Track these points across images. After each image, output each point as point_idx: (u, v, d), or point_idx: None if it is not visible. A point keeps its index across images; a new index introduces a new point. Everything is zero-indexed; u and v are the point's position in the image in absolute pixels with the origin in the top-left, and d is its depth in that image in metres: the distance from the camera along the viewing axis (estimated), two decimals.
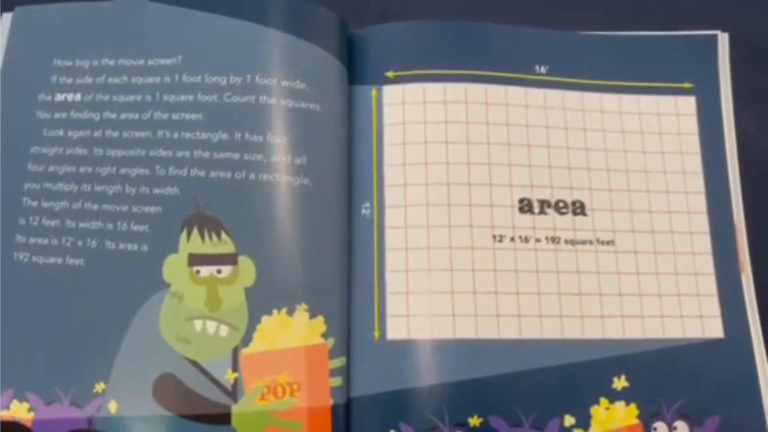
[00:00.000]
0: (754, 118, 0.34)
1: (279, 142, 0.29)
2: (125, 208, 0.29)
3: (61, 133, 0.30)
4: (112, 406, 0.27)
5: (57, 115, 0.30)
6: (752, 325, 0.30)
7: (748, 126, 0.33)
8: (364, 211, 0.30)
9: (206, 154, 0.29)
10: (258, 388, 0.27)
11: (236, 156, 0.29)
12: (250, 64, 0.30)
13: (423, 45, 0.32)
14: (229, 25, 0.30)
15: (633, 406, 0.29)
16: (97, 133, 0.30)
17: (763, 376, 0.29)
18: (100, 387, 0.27)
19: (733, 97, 0.32)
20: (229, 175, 0.28)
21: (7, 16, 0.32)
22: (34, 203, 0.29)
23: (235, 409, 0.27)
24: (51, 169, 0.29)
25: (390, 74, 0.31)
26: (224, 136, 0.29)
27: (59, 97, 0.30)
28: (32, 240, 0.29)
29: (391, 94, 0.31)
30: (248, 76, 0.29)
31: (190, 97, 0.29)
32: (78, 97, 0.30)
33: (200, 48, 0.30)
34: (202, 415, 0.27)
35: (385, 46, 0.32)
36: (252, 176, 0.28)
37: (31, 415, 0.27)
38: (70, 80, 0.31)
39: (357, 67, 0.32)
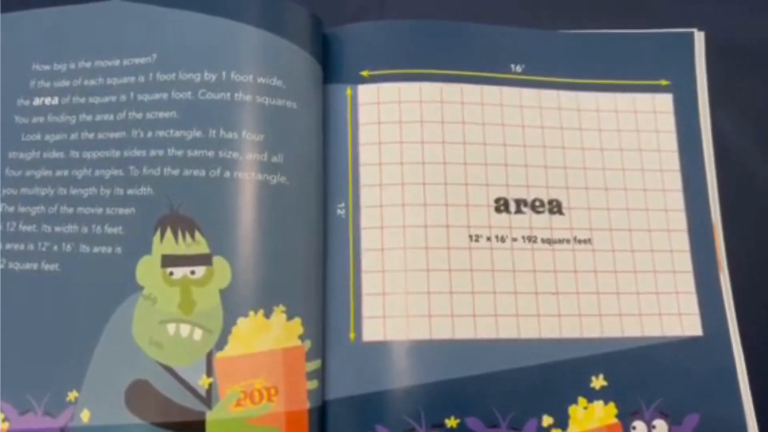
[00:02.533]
0: (729, 117, 0.32)
1: (255, 140, 0.27)
2: (99, 210, 0.27)
3: (38, 137, 0.28)
4: (85, 415, 0.25)
5: (35, 120, 0.29)
6: (730, 323, 0.29)
7: (724, 124, 0.31)
8: (339, 211, 0.28)
9: (180, 153, 0.27)
10: (234, 394, 0.25)
11: (210, 154, 0.27)
12: (225, 60, 0.28)
13: (398, 44, 0.30)
14: (203, 22, 0.28)
15: (611, 405, 0.27)
16: (74, 136, 0.28)
17: (742, 374, 0.28)
18: (72, 395, 0.25)
19: (709, 96, 0.31)
20: (203, 173, 0.26)
21: None
22: (11, 209, 0.27)
23: (210, 416, 0.25)
24: (28, 173, 0.28)
25: (365, 73, 0.30)
26: (198, 133, 0.27)
27: (37, 102, 0.29)
28: (8, 246, 0.27)
29: (366, 93, 0.29)
30: (223, 73, 0.27)
31: (164, 96, 0.28)
32: (55, 100, 0.29)
33: (174, 46, 0.28)
34: (176, 423, 0.25)
35: (360, 45, 0.30)
36: (227, 174, 0.26)
37: (6, 425, 0.25)
38: (48, 84, 0.29)
39: (332, 66, 0.30)
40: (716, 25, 0.31)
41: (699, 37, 0.31)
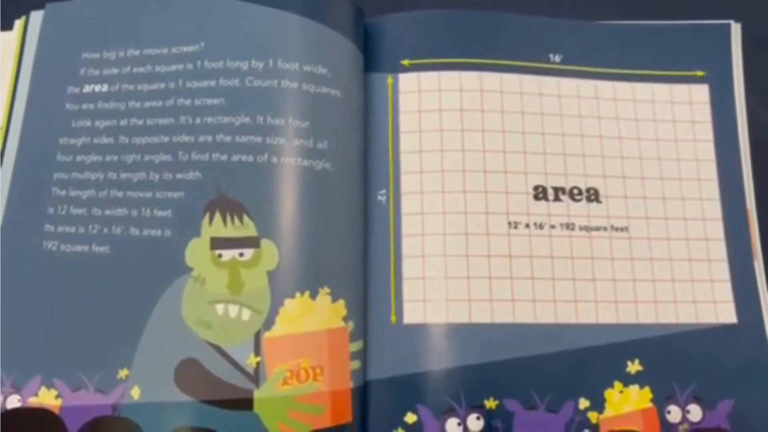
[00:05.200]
0: (766, 109, 0.31)
1: (301, 127, 0.26)
2: (149, 194, 0.26)
3: (88, 123, 0.28)
4: (135, 393, 0.25)
5: (85, 106, 0.28)
6: (765, 311, 0.28)
7: (761, 116, 0.30)
8: (380, 197, 0.28)
9: (228, 138, 0.26)
10: (281, 372, 0.24)
11: (258, 140, 0.26)
12: (271, 48, 0.27)
13: (438, 33, 0.29)
14: (250, 11, 0.28)
15: (647, 389, 0.26)
16: (123, 122, 0.27)
17: None
18: (123, 373, 0.25)
19: (746, 88, 0.29)
20: (251, 158, 0.26)
21: (39, 14, 0.30)
22: (63, 192, 0.27)
23: (258, 394, 0.24)
24: (79, 158, 0.27)
25: (405, 62, 0.29)
26: (246, 120, 0.26)
27: (87, 89, 0.28)
28: (60, 229, 0.27)
29: (406, 82, 0.29)
30: (270, 61, 0.27)
31: (212, 83, 0.27)
32: (105, 87, 0.28)
33: (222, 34, 0.28)
34: (224, 400, 0.24)
35: (401, 34, 0.29)
36: (274, 160, 0.26)
37: (59, 402, 0.25)
38: (97, 72, 0.28)
39: (372, 55, 0.29)
40: (756, 17, 0.30)
41: (736, 29, 0.30)
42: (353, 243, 0.27)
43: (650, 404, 0.26)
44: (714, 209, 0.28)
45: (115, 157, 0.27)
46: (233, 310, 0.25)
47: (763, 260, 0.28)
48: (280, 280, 0.25)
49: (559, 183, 0.28)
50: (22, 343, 0.25)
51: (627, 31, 0.30)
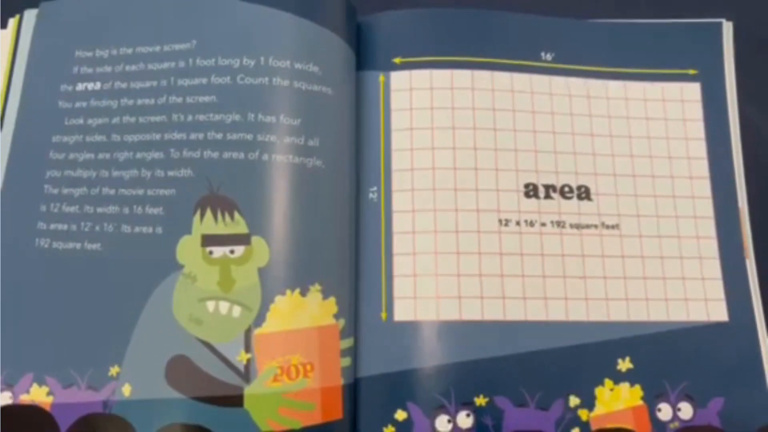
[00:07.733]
0: (760, 110, 0.31)
1: (292, 124, 0.26)
2: (141, 191, 0.26)
3: (81, 121, 0.28)
4: (126, 389, 0.25)
5: (78, 104, 0.28)
6: (756, 309, 0.28)
7: (754, 117, 0.30)
8: (371, 195, 0.28)
9: (219, 136, 0.26)
10: (271, 369, 0.24)
11: (249, 137, 0.26)
12: (263, 46, 0.27)
13: (430, 32, 0.29)
14: (241, 9, 0.28)
15: (637, 387, 0.26)
16: (116, 120, 0.28)
17: (767, 359, 0.27)
18: (114, 370, 0.25)
19: (739, 89, 0.30)
20: (242, 155, 0.26)
21: (32, 12, 0.30)
22: (55, 190, 0.27)
23: (248, 391, 0.24)
24: (71, 156, 0.27)
25: (397, 60, 0.29)
26: (237, 117, 0.26)
27: (80, 87, 0.28)
28: (53, 226, 0.27)
29: (398, 79, 0.29)
30: (261, 59, 0.27)
31: (204, 80, 0.27)
32: (98, 86, 0.28)
33: (214, 32, 0.28)
34: (215, 397, 0.24)
35: (393, 32, 0.29)
36: (265, 157, 0.26)
37: (50, 398, 0.25)
38: (90, 70, 0.29)
39: (364, 53, 0.30)
40: (752, 18, 0.30)
41: (727, 27, 0.30)
42: (344, 240, 0.27)
43: (641, 402, 0.26)
44: (706, 207, 0.28)
45: (108, 155, 0.27)
46: (224, 306, 0.25)
47: (755, 258, 0.28)
48: (271, 277, 0.25)
49: (550, 181, 0.28)
50: (14, 341, 0.25)
51: (619, 30, 0.30)
